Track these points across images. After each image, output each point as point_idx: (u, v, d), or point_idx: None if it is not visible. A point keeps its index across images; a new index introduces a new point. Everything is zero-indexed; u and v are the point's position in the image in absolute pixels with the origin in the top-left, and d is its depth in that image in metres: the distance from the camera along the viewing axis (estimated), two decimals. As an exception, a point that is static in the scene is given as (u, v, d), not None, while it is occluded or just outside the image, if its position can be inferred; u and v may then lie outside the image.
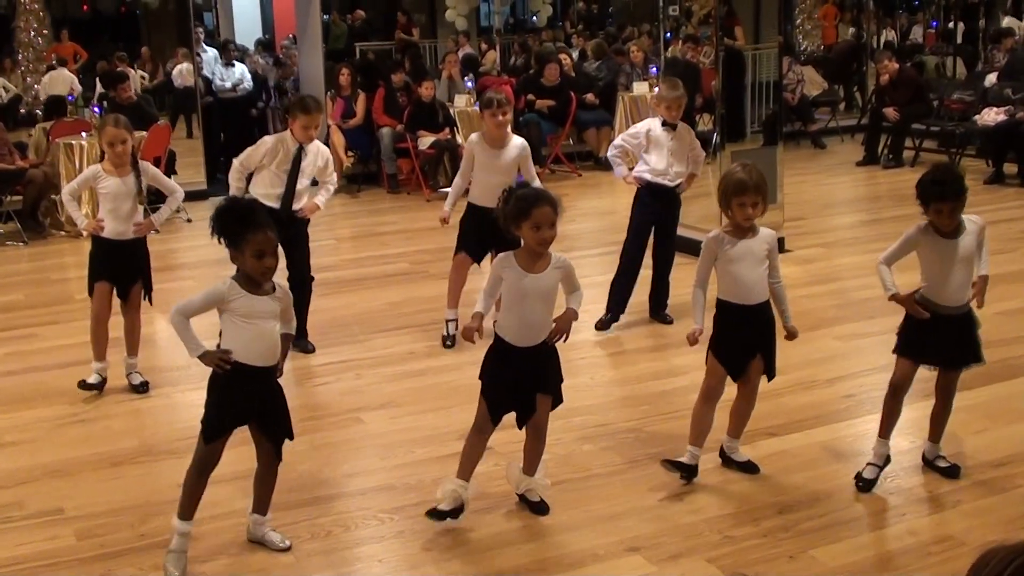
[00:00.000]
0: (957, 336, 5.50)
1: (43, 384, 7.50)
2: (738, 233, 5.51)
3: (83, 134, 12.70)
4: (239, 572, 4.92)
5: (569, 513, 5.36)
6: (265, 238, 4.77)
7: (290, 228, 7.71)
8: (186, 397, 7.04)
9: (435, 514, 5.19)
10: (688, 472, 5.65)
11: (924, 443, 5.77)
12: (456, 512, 5.21)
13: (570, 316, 5.26)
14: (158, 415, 6.99)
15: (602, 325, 8.38)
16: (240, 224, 4.76)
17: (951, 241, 5.36)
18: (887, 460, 5.61)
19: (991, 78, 15.81)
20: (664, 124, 8.22)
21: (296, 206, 7.76)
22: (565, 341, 5.29)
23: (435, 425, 6.51)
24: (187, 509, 4.96)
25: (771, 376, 5.71)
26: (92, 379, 7.28)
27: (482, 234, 7.56)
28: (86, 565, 5.03)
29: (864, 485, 5.54)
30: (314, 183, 7.90)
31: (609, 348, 8.04)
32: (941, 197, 5.25)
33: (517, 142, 7.99)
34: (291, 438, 5.05)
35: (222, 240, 4.79)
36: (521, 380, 5.20)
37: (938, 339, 5.46)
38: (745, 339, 5.59)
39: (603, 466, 5.89)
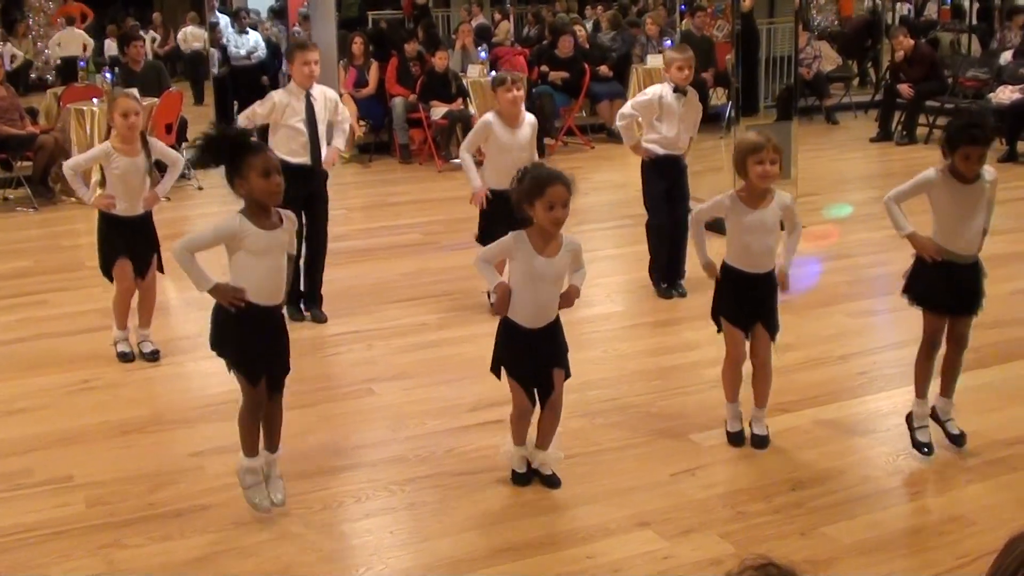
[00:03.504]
0: (967, 284, 5.47)
1: (53, 351, 7.49)
2: (752, 201, 5.50)
3: (94, 100, 12.64)
4: (252, 542, 4.91)
5: (581, 487, 5.35)
6: (267, 157, 4.76)
7: (314, 182, 7.75)
8: (198, 366, 7.02)
9: (518, 479, 5.40)
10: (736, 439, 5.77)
11: (935, 397, 5.68)
12: (525, 477, 5.40)
13: (574, 294, 5.25)
14: (169, 384, 6.98)
15: (666, 294, 8.43)
16: (238, 149, 4.73)
17: (970, 186, 5.31)
18: (933, 413, 5.64)
19: (1006, 56, 15.71)
20: (676, 90, 8.16)
21: (323, 152, 7.77)
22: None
23: (447, 397, 6.49)
24: (249, 447, 5.06)
25: (774, 334, 5.66)
26: (123, 347, 7.28)
27: (511, 219, 7.22)
28: (95, 533, 5.02)
29: (928, 449, 5.56)
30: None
31: (622, 321, 8.02)
32: (973, 140, 5.19)
33: (530, 119, 7.95)
34: (289, 370, 5.10)
35: (223, 166, 4.76)
36: (538, 359, 5.21)
37: (949, 286, 5.42)
38: (749, 304, 5.61)
39: (615, 440, 5.88)
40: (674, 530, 4.93)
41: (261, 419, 5.05)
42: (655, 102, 8.21)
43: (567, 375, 5.33)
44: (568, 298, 5.22)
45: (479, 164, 8.11)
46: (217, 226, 4.84)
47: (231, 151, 4.73)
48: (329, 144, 7.86)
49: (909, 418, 5.70)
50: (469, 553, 4.79)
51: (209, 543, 4.93)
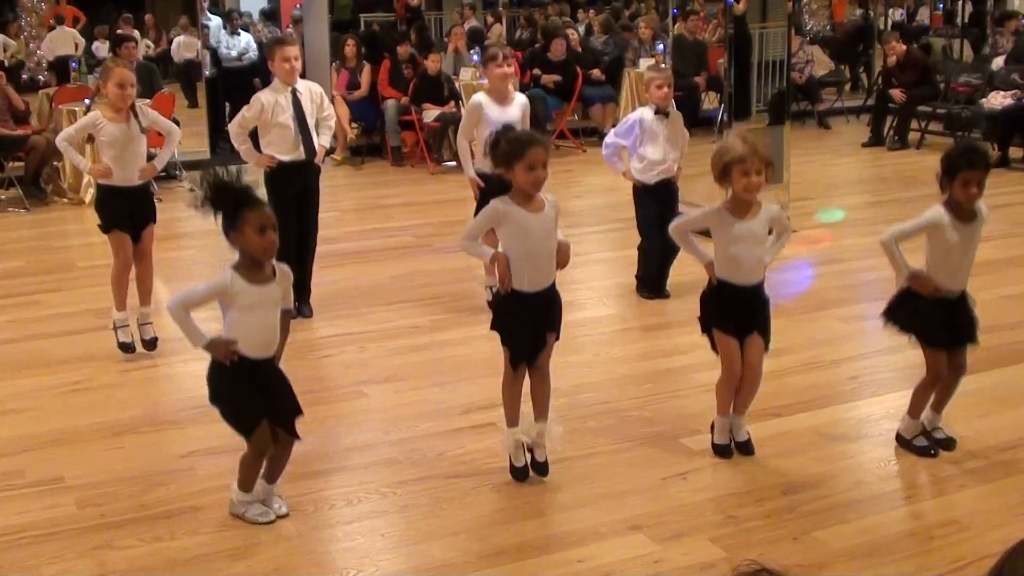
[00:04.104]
0: (962, 316, 5.47)
1: (45, 352, 7.48)
2: (739, 211, 5.40)
3: (86, 101, 12.62)
4: (243, 544, 4.90)
5: (572, 491, 5.34)
6: (264, 213, 4.75)
7: (308, 178, 7.81)
8: (189, 367, 7.00)
9: (517, 473, 5.40)
10: (723, 451, 5.70)
11: (926, 411, 5.68)
12: (524, 471, 5.42)
13: (567, 244, 5.29)
14: (162, 384, 6.98)
15: (652, 295, 8.45)
16: (237, 204, 4.72)
17: (969, 226, 5.31)
18: (923, 428, 5.65)
19: (998, 61, 15.72)
20: (656, 112, 8.14)
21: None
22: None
23: (439, 399, 6.49)
24: (248, 484, 5.06)
25: (767, 345, 5.61)
26: (124, 336, 7.29)
27: None
28: (86, 534, 5.01)
29: (934, 450, 5.60)
30: None
31: (613, 325, 8.02)
32: (972, 165, 5.20)
33: (521, 98, 7.97)
34: (301, 414, 5.04)
35: (218, 219, 4.75)
36: (536, 322, 5.25)
37: (947, 322, 5.42)
38: (741, 317, 5.53)
39: (606, 444, 5.87)
40: (665, 534, 4.92)
41: (263, 460, 5.02)
42: (636, 128, 8.18)
43: (557, 337, 5.38)
44: (564, 254, 5.25)
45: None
46: (210, 284, 4.86)
47: (231, 203, 4.73)
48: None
49: (900, 436, 5.71)
50: (460, 556, 4.78)
51: (200, 544, 4.92)
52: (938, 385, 5.57)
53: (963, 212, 5.30)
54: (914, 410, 5.64)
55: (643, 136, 8.16)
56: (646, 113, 8.20)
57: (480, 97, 7.99)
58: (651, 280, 8.45)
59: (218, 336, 4.83)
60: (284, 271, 4.96)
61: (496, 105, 7.85)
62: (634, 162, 8.30)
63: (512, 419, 5.39)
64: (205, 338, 4.81)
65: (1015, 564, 1.89)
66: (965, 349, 5.56)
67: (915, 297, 5.44)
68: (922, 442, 5.62)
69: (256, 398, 4.88)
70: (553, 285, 5.26)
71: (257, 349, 4.84)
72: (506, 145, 5.08)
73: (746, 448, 5.71)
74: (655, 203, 8.26)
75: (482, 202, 7.64)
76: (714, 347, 5.62)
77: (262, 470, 5.07)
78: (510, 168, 5.06)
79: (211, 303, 4.87)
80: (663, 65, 8.22)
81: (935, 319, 5.42)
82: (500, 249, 5.20)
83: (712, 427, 5.74)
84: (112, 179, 7.10)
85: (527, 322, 5.23)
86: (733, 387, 5.60)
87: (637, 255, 8.54)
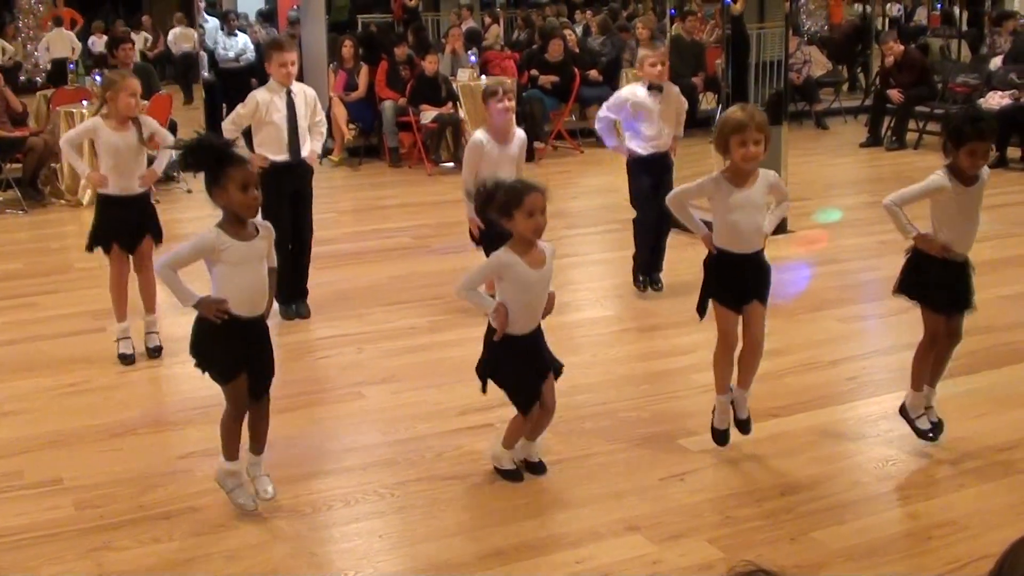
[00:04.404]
0: (962, 282, 5.49)
1: (43, 353, 7.47)
2: (738, 180, 5.37)
3: (83, 102, 12.64)
4: (241, 545, 4.90)
5: (570, 492, 5.35)
6: (247, 171, 4.80)
7: (298, 179, 7.85)
8: (187, 369, 6.89)
9: (507, 474, 5.46)
10: (721, 438, 5.71)
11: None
12: (518, 472, 5.47)
13: (553, 296, 5.32)
14: (160, 386, 6.99)
15: (642, 287, 8.47)
16: (220, 160, 4.77)
17: (971, 189, 5.32)
18: (926, 405, 5.67)
19: (996, 62, 15.73)
20: (650, 88, 8.13)
21: (304, 152, 7.82)
22: None
23: (437, 400, 6.49)
24: (231, 451, 5.11)
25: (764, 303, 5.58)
26: (125, 348, 7.28)
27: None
28: (85, 536, 5.01)
29: (933, 434, 5.62)
30: None
31: (611, 326, 8.02)
32: (980, 136, 5.19)
33: (520, 136, 7.84)
34: (272, 375, 5.13)
35: (202, 172, 4.81)
36: (538, 365, 5.29)
37: (948, 286, 5.45)
38: (741, 285, 5.49)
39: (604, 445, 5.87)
40: (663, 535, 4.92)
41: (243, 424, 5.09)
42: (628, 105, 8.17)
43: (557, 375, 5.40)
44: (550, 304, 5.30)
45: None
46: (195, 241, 4.90)
47: (214, 160, 4.77)
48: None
49: (903, 411, 5.70)
50: (458, 557, 4.78)
51: (199, 545, 4.91)
52: (933, 350, 5.58)
53: (965, 177, 5.31)
54: (916, 381, 5.64)
55: (635, 112, 8.17)
56: (638, 89, 8.20)
57: (480, 136, 7.76)
58: (646, 259, 8.45)
59: (208, 295, 4.86)
60: (266, 226, 5.00)
61: (496, 144, 7.68)
62: (628, 136, 8.32)
63: (511, 445, 5.45)
64: (195, 296, 4.85)
65: (1015, 560, 1.90)
66: (962, 316, 5.58)
67: (922, 263, 5.45)
68: (924, 424, 5.62)
69: (238, 351, 4.94)
70: (539, 326, 5.31)
71: (247, 307, 4.87)
72: (503, 195, 5.06)
73: (744, 426, 5.71)
74: (648, 175, 8.27)
75: (484, 241, 7.47)
76: (702, 315, 5.59)
77: (248, 444, 5.16)
78: (510, 217, 5.05)
79: (197, 261, 4.90)
80: (662, 47, 8.12)
81: (937, 282, 5.43)
82: (497, 298, 5.21)
83: (713, 411, 5.72)
84: (110, 188, 7.12)
85: (532, 366, 5.28)
86: (730, 360, 5.58)
87: (633, 231, 8.54)
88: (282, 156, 7.72)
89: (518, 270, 5.09)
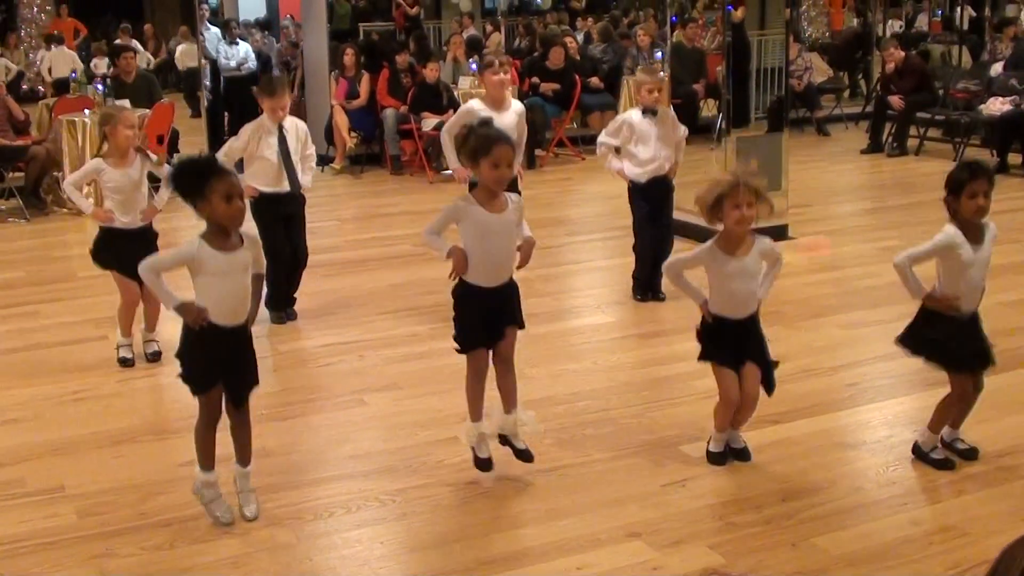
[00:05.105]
0: (978, 338, 5.49)
1: (45, 361, 7.49)
2: (731, 247, 5.36)
3: (86, 111, 12.65)
4: (242, 552, 4.91)
5: (570, 498, 5.35)
6: (230, 182, 4.82)
7: (291, 206, 7.95)
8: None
9: (482, 464, 5.49)
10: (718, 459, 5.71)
11: (946, 429, 5.68)
12: (488, 462, 5.49)
13: (532, 243, 5.38)
14: (161, 394, 7.00)
15: (643, 300, 8.49)
16: (202, 175, 4.79)
17: (980, 246, 5.32)
18: (942, 440, 5.65)
19: (997, 67, 15.74)
20: (645, 112, 8.16)
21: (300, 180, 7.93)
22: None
23: (438, 407, 6.49)
24: (207, 460, 5.13)
25: (770, 390, 5.56)
26: (125, 352, 7.38)
27: None
28: (87, 543, 5.02)
29: (951, 464, 5.57)
30: None
31: (611, 333, 8.02)
32: (975, 175, 5.21)
33: (517, 105, 7.94)
34: (257, 384, 5.16)
35: (187, 198, 4.81)
36: (492, 317, 5.30)
37: (967, 344, 5.44)
38: (736, 348, 5.51)
39: (605, 451, 5.87)
40: (664, 541, 4.93)
41: (215, 432, 5.10)
42: (625, 130, 8.22)
43: (520, 327, 5.42)
44: (529, 247, 5.35)
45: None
46: (176, 252, 5.00)
47: (196, 176, 4.79)
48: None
49: (917, 448, 5.68)
50: (459, 564, 4.79)
51: (199, 552, 4.92)
52: (962, 404, 5.59)
53: (973, 231, 5.31)
54: (935, 425, 5.62)
55: (633, 136, 8.20)
56: (634, 115, 8.25)
57: (474, 103, 7.96)
58: (644, 281, 8.48)
59: (191, 301, 4.89)
60: (252, 237, 5.04)
61: (490, 110, 7.77)
62: (626, 161, 8.33)
63: (476, 415, 5.46)
64: (176, 300, 4.89)
65: (1010, 563, 1.90)
66: (984, 369, 5.58)
67: (932, 324, 5.43)
68: (939, 455, 5.60)
69: (215, 363, 4.96)
70: (511, 280, 5.32)
71: (227, 316, 4.90)
72: (474, 141, 5.16)
73: (742, 455, 5.72)
74: (646, 202, 8.33)
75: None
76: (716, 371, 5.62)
77: (234, 456, 5.18)
78: (476, 164, 5.14)
79: (180, 269, 4.94)
80: (660, 73, 8.16)
81: (958, 344, 5.42)
82: (460, 245, 5.24)
83: (709, 440, 5.74)
84: (115, 223, 7.20)
85: (479, 314, 5.28)
86: (731, 413, 5.60)
87: (634, 255, 8.59)
88: (272, 188, 7.84)
89: (475, 213, 5.14)
